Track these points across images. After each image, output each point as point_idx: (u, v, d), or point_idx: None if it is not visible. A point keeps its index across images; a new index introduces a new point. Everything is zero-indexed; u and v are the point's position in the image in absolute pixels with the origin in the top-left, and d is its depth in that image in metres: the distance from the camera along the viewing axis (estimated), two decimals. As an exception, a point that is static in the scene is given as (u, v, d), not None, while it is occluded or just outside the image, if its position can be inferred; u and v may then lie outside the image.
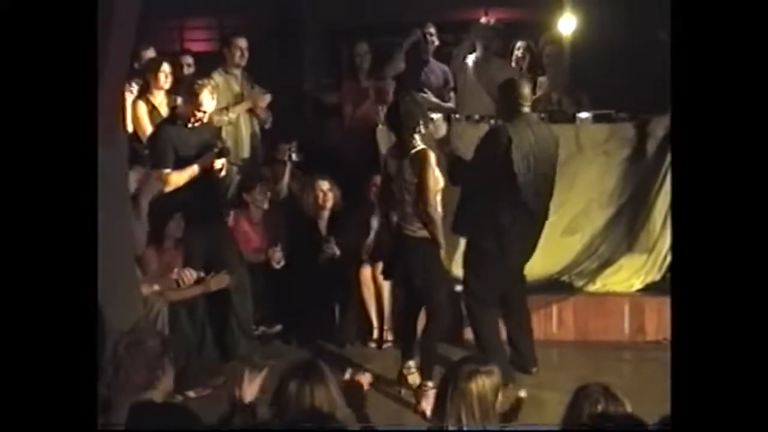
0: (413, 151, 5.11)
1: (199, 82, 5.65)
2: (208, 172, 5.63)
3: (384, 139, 6.42)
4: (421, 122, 5.16)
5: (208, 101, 5.59)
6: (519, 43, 7.28)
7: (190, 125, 5.61)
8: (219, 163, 5.69)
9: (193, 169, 5.55)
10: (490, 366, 3.26)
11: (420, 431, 3.77)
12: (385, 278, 5.87)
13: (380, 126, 6.45)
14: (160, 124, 5.86)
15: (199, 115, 5.59)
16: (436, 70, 7.33)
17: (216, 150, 5.62)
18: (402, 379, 5.39)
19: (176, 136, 5.58)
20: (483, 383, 3.16)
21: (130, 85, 6.21)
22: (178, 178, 5.55)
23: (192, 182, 5.59)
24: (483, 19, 7.29)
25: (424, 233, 5.12)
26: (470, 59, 7.20)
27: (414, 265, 5.22)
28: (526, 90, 5.45)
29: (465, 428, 3.13)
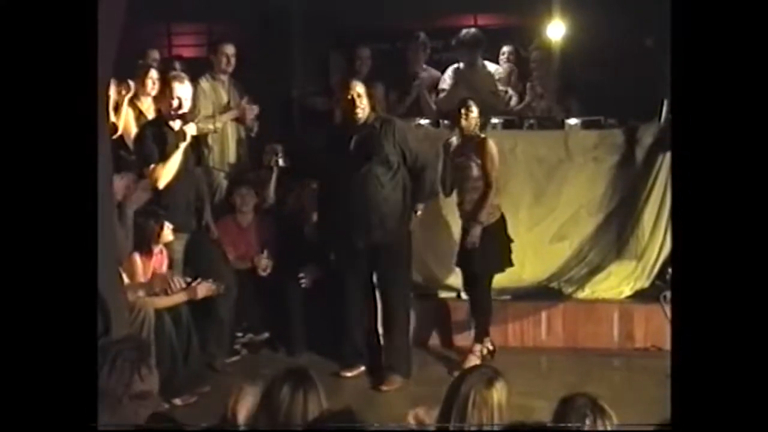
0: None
1: (167, 75, 5.79)
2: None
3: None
4: None
5: (179, 88, 5.64)
6: (505, 48, 7.31)
7: (172, 123, 5.62)
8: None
9: (177, 157, 5.56)
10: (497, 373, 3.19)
11: (419, 431, 3.73)
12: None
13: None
14: (144, 126, 5.92)
15: (175, 103, 5.61)
16: (433, 77, 7.29)
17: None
18: None
19: (159, 136, 5.62)
20: (501, 390, 3.07)
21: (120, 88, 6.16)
22: (166, 171, 5.54)
23: (179, 188, 5.60)
24: (466, 28, 7.29)
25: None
26: (458, 65, 7.18)
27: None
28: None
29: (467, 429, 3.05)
